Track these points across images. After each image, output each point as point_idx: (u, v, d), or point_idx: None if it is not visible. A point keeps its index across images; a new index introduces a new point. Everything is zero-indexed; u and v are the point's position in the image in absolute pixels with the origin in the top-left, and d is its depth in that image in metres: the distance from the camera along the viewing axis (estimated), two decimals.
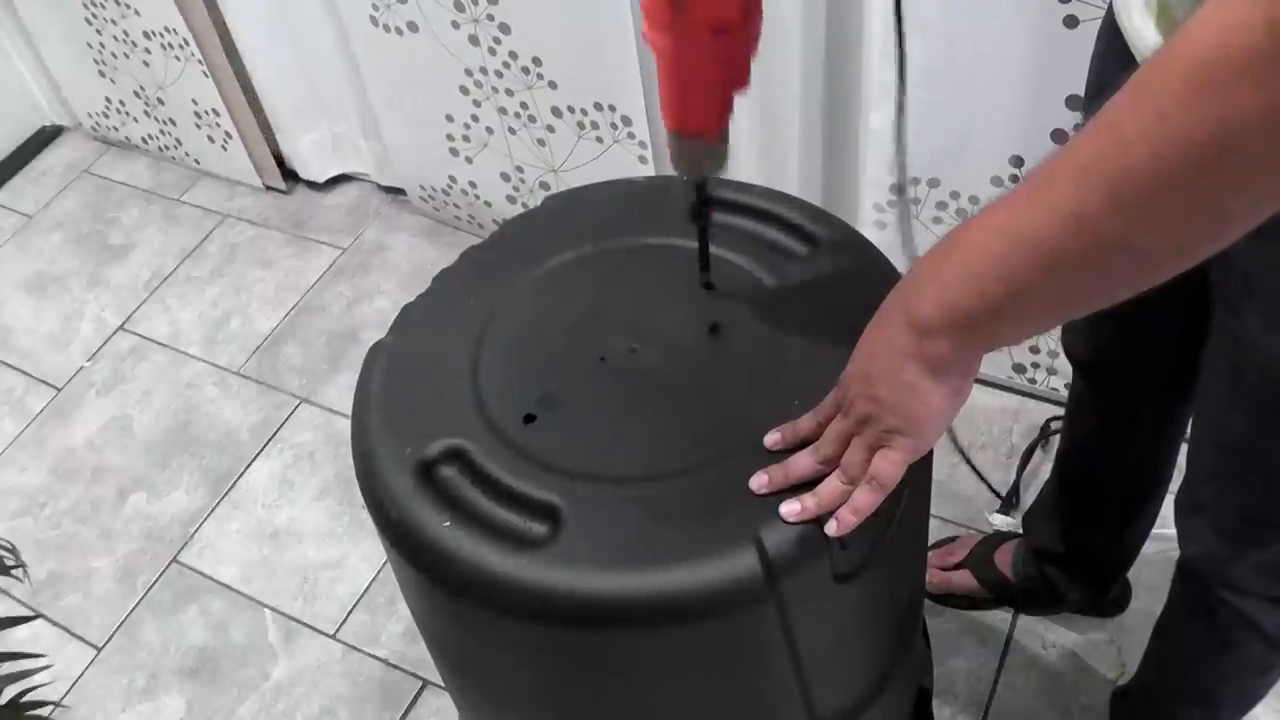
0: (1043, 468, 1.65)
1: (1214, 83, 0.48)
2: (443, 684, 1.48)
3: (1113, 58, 0.89)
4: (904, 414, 0.69)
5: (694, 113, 0.78)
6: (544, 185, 1.91)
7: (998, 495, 1.61)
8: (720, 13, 0.71)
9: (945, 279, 0.64)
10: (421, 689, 1.56)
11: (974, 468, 1.53)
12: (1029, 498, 1.57)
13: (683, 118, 0.79)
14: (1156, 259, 0.56)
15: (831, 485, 0.74)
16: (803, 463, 0.76)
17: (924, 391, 0.67)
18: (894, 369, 0.68)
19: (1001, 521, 1.61)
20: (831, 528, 0.74)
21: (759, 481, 0.76)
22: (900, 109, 1.05)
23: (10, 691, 1.15)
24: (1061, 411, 1.69)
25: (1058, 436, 1.67)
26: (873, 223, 1.62)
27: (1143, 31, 0.78)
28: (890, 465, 0.71)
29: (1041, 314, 0.63)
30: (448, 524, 0.77)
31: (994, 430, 1.72)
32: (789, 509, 0.74)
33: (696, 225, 0.88)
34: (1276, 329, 0.81)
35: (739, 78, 0.78)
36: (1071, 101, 1.35)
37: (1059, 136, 1.40)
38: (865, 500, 0.73)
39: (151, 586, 1.73)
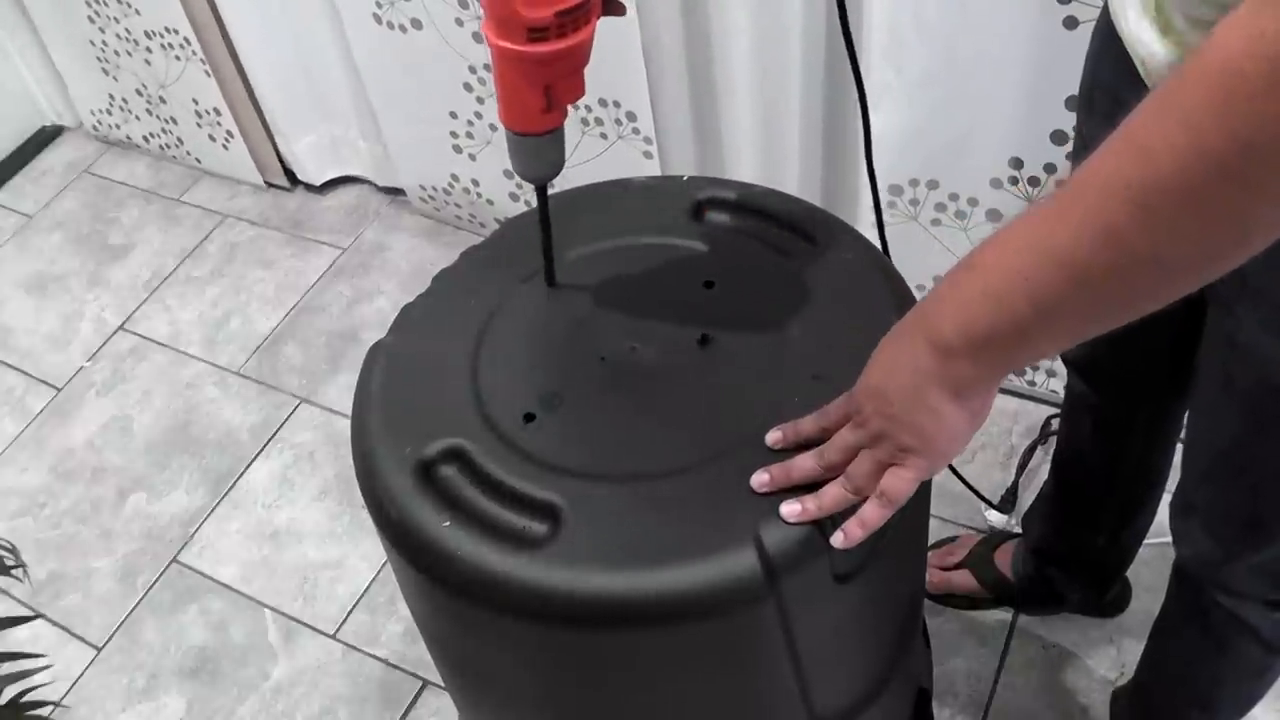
0: (1043, 467, 1.65)
1: (1243, 92, 0.48)
2: (443, 684, 1.48)
3: (1106, 59, 0.89)
4: (920, 434, 0.69)
5: (517, 111, 0.80)
6: None
7: (988, 503, 1.61)
8: (533, 14, 0.73)
9: (967, 299, 0.63)
10: (421, 689, 1.56)
11: (964, 480, 1.53)
12: (1028, 498, 1.57)
13: (508, 115, 0.81)
14: (1185, 269, 0.55)
15: (835, 491, 0.74)
16: (805, 465, 0.75)
17: (944, 414, 0.67)
18: (915, 390, 0.67)
19: (997, 519, 1.61)
20: (838, 540, 0.74)
21: (760, 480, 0.76)
22: (866, 127, 1.06)
23: (10, 691, 1.15)
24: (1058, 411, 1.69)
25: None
26: (871, 223, 1.61)
27: (1139, 33, 0.78)
28: (902, 483, 0.71)
29: (1067, 330, 0.62)
30: (447, 524, 0.77)
31: (993, 431, 1.72)
32: (789, 509, 0.74)
33: (541, 230, 0.90)
34: (1272, 331, 0.81)
35: (569, 85, 0.79)
36: (1071, 103, 1.35)
37: (1059, 138, 1.40)
38: (874, 515, 0.73)
39: (151, 586, 1.73)
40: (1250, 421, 0.88)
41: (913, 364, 0.67)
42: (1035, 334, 0.61)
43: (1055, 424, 1.68)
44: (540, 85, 0.78)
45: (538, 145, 0.82)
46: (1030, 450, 1.68)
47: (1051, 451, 1.47)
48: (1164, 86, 0.52)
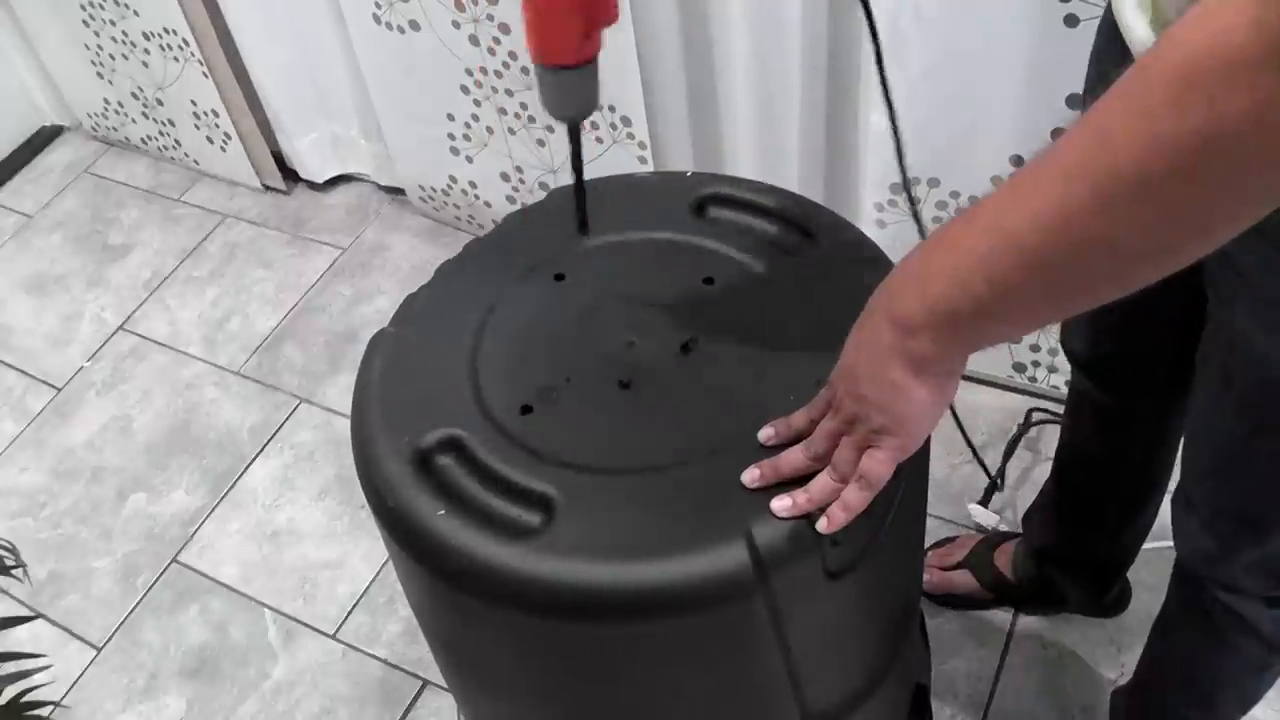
0: (1034, 466, 1.65)
1: (1202, 84, 0.48)
2: (443, 683, 1.48)
3: (1110, 56, 0.89)
4: (889, 413, 0.69)
5: (552, 41, 0.78)
6: (543, 185, 1.91)
7: (992, 484, 1.60)
8: None
9: (928, 276, 0.63)
10: (421, 689, 1.56)
11: (982, 463, 1.53)
12: (1023, 495, 1.56)
13: (542, 47, 0.79)
14: (1142, 260, 0.55)
15: (822, 482, 0.74)
16: (794, 459, 0.76)
17: (907, 390, 0.67)
18: (878, 367, 0.68)
19: (980, 514, 1.60)
20: (822, 524, 0.74)
21: (750, 476, 0.76)
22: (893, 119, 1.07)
23: (10, 691, 1.15)
24: (1044, 404, 1.69)
25: (1040, 428, 1.68)
26: (874, 221, 1.62)
27: (1135, 28, 0.78)
28: (878, 464, 0.72)
29: (1026, 313, 0.62)
30: (442, 512, 0.77)
31: (994, 430, 1.71)
32: (780, 504, 0.74)
33: (574, 174, 0.87)
34: (1269, 328, 0.81)
35: (603, 8, 0.78)
36: (1072, 101, 1.35)
37: (1059, 136, 1.40)
38: (855, 498, 0.73)
39: (151, 586, 1.73)
40: (1247, 418, 0.88)
41: (876, 343, 0.67)
42: (995, 315, 0.62)
43: (1037, 415, 1.69)
44: (577, 5, 0.76)
45: (572, 79, 0.80)
46: (1015, 441, 1.67)
47: (1035, 444, 1.46)
48: (1127, 77, 0.52)
